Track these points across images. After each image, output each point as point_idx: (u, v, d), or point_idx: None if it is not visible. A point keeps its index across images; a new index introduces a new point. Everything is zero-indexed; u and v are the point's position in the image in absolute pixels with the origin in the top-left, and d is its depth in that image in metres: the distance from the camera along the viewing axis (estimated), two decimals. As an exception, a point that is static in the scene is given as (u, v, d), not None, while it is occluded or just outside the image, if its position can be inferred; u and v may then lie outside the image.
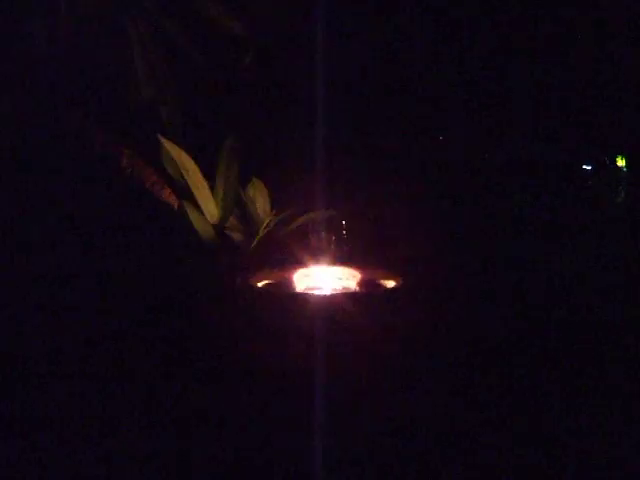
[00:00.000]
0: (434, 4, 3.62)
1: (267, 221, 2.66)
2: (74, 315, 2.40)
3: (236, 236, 2.63)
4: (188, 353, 2.24)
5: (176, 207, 2.65)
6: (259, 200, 2.73)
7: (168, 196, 2.68)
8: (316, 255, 2.55)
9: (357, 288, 2.36)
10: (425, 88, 3.57)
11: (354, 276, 2.41)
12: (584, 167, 4.35)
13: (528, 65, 3.73)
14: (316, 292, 2.35)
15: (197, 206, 2.58)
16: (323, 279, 2.42)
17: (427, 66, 3.56)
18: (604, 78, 3.83)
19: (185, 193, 2.59)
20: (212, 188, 2.62)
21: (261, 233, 2.64)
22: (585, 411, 1.98)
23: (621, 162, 4.40)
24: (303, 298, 2.26)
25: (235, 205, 2.66)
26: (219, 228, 2.61)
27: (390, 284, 2.36)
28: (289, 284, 2.37)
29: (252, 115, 2.99)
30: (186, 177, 2.56)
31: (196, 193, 2.58)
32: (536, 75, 3.76)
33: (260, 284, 2.39)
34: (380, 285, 2.39)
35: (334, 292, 2.34)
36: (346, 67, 2.98)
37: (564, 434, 1.87)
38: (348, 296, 2.24)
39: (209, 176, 2.61)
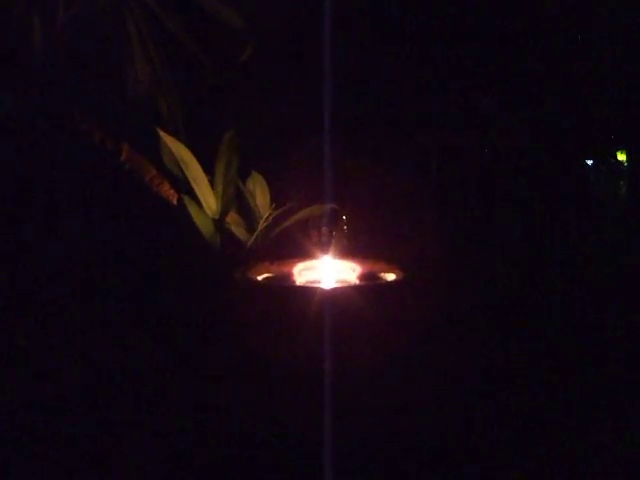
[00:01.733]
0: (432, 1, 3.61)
1: (267, 215, 2.65)
2: (73, 312, 2.39)
3: (236, 230, 2.63)
4: (189, 348, 2.24)
5: (175, 201, 2.64)
6: (259, 194, 2.72)
7: (167, 190, 2.67)
8: (316, 249, 2.54)
9: (358, 281, 2.35)
10: (427, 81, 3.56)
11: (354, 269, 2.40)
12: (585, 161, 4.34)
13: (530, 59, 3.72)
14: (317, 285, 2.34)
15: (197, 200, 2.57)
16: (323, 272, 2.41)
17: (428, 60, 3.55)
18: (605, 72, 3.82)
19: (184, 187, 2.58)
20: (212, 182, 2.61)
21: (261, 227, 2.63)
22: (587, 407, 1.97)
23: (622, 156, 4.39)
24: (306, 291, 2.25)
25: (235, 199, 2.65)
26: (219, 222, 2.60)
27: (391, 277, 2.35)
28: (289, 278, 2.36)
29: (252, 109, 2.98)
30: (185, 171, 2.55)
31: (195, 187, 2.57)
32: (538, 70, 3.75)
33: (260, 278, 2.38)
34: (381, 278, 2.37)
35: (338, 285, 2.33)
36: (348, 61, 2.96)
37: (570, 428, 1.87)
38: (354, 289, 2.23)
39: (208, 170, 2.60)
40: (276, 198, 2.71)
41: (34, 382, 2.05)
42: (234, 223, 2.64)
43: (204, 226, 2.55)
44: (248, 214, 2.68)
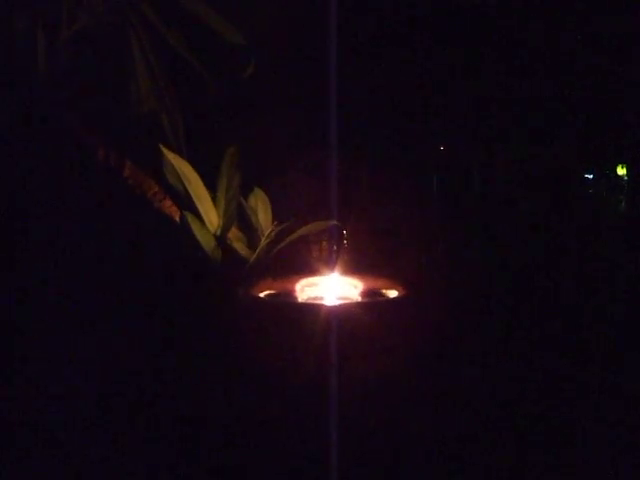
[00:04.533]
0: (436, 11, 3.63)
1: (269, 231, 2.65)
2: (76, 326, 2.39)
3: (238, 246, 2.63)
4: (190, 364, 2.23)
5: (177, 218, 2.64)
6: (261, 210, 2.72)
7: (169, 207, 2.67)
8: (318, 265, 2.54)
9: (360, 298, 2.34)
10: (428, 95, 3.57)
11: (357, 286, 2.40)
12: (585, 176, 4.36)
13: (530, 74, 3.74)
14: (319, 302, 2.34)
15: (199, 216, 2.57)
16: (325, 289, 2.41)
17: (429, 73, 3.57)
18: (605, 87, 3.84)
19: (186, 203, 2.59)
20: (214, 198, 2.62)
21: (263, 243, 2.63)
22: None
23: (622, 171, 4.41)
24: (309, 308, 2.24)
25: (237, 215, 2.65)
26: (221, 238, 2.60)
27: (393, 294, 2.35)
28: (291, 294, 2.36)
29: (254, 125, 2.98)
30: (187, 187, 2.56)
31: (198, 203, 2.58)
32: (538, 84, 3.77)
33: (262, 294, 2.38)
34: (384, 295, 2.37)
35: (341, 302, 2.32)
36: (348, 75, 2.97)
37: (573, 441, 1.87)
38: (357, 306, 2.23)
39: (211, 186, 2.61)
40: (278, 214, 2.71)
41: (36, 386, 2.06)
42: (236, 239, 2.64)
43: (206, 242, 2.55)
44: (250, 230, 2.68)
